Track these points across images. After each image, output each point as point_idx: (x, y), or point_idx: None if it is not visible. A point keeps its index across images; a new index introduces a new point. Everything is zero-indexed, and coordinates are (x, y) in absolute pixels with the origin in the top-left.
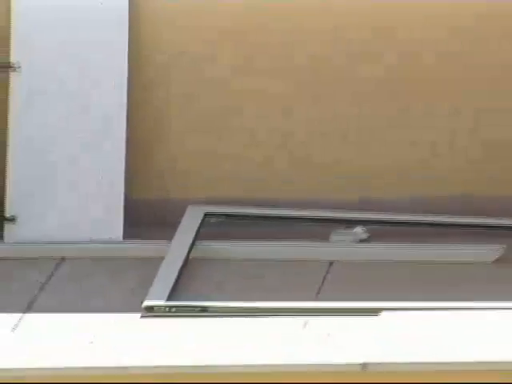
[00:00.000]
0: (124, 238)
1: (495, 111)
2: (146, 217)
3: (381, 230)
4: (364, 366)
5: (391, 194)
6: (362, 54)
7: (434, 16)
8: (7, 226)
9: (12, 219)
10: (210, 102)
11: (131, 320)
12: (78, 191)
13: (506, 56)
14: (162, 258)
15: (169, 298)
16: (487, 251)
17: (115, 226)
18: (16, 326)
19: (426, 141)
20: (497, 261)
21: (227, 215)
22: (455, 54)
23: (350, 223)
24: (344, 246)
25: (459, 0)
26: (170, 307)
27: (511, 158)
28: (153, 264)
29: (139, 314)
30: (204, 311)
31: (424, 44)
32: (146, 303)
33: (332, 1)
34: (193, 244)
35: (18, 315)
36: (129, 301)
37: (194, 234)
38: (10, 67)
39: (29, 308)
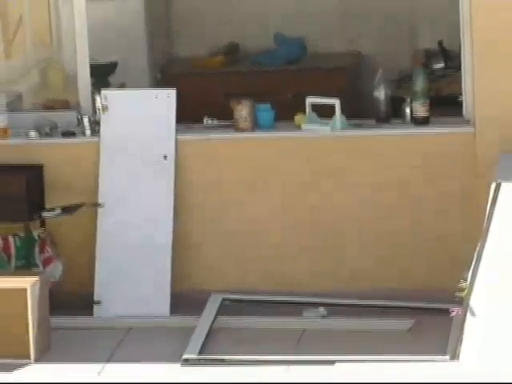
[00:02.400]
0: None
1: None
2: (186, 301)
3: (334, 310)
4: None
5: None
6: None
7: None
8: (95, 307)
9: (98, 302)
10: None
11: (175, 367)
12: (140, 282)
13: None
14: (195, 327)
15: (199, 353)
16: (403, 323)
17: (164, 306)
18: (100, 371)
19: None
20: (409, 329)
21: (235, 300)
22: None
23: (316, 305)
24: (312, 319)
25: None
26: (200, 359)
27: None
28: (189, 331)
29: (179, 364)
30: (221, 361)
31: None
32: (184, 356)
33: None
34: (215, 318)
35: (101, 364)
36: (174, 354)
37: (215, 311)
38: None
39: (108, 360)
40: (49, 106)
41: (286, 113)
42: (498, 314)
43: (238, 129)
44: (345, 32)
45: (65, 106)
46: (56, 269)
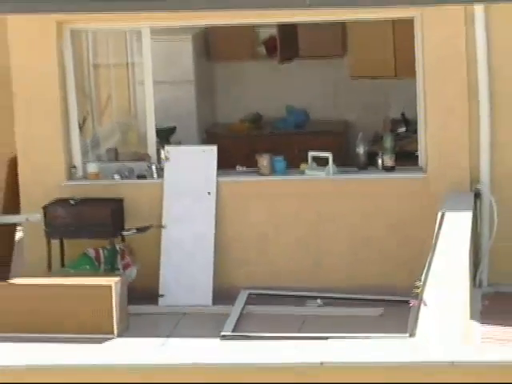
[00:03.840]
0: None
1: None
2: (223, 294)
3: (328, 301)
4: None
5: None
6: None
7: None
8: (160, 299)
9: (161, 295)
10: None
11: (215, 341)
12: (191, 280)
13: None
14: (229, 313)
15: (232, 331)
16: (376, 310)
17: (207, 298)
18: (163, 343)
19: None
20: (381, 315)
21: (258, 294)
22: None
23: (315, 298)
24: (312, 308)
25: None
26: (233, 335)
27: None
28: (225, 316)
29: (219, 338)
30: (248, 337)
31: None
32: (222, 333)
33: None
34: (244, 306)
35: (164, 339)
36: (215, 332)
37: (244, 302)
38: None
39: (169, 336)
40: (128, 158)
41: (294, 162)
42: (442, 305)
43: (260, 174)
44: (336, 106)
45: (139, 157)
46: (132, 272)
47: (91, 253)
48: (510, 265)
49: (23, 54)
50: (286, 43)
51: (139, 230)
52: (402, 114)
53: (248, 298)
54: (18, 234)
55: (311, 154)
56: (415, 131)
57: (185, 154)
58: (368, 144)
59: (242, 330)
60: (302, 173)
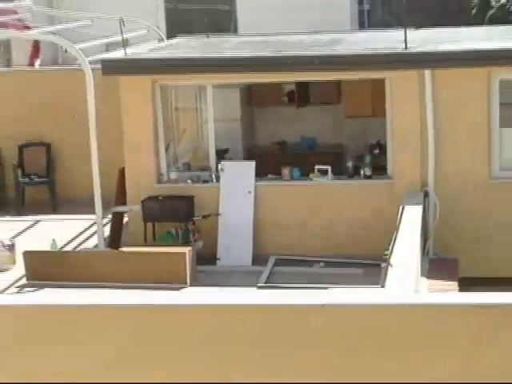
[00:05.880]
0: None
1: None
2: (259, 258)
3: (327, 263)
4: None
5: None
6: None
7: None
8: (218, 262)
9: (218, 259)
10: None
11: (254, 289)
12: (238, 249)
13: None
14: (263, 271)
15: (265, 283)
16: (359, 270)
17: (248, 260)
18: (220, 291)
19: None
20: (362, 273)
21: (282, 259)
22: None
23: (319, 262)
24: (317, 268)
25: None
26: (266, 285)
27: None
28: (260, 273)
29: (256, 287)
30: (276, 286)
31: None
32: (258, 284)
33: None
34: (272, 267)
35: (220, 287)
36: (253, 283)
37: (272, 264)
38: None
39: (223, 285)
40: (197, 169)
41: (306, 172)
42: (402, 267)
43: (283, 179)
44: (334, 135)
45: (204, 168)
46: (199, 244)
47: (173, 231)
48: (447, 240)
49: (130, 100)
50: (301, 95)
51: (204, 216)
52: (378, 141)
53: (276, 262)
54: (125, 219)
55: (317, 167)
56: (385, 152)
57: (234, 166)
58: (354, 160)
59: (271, 281)
60: (311, 179)
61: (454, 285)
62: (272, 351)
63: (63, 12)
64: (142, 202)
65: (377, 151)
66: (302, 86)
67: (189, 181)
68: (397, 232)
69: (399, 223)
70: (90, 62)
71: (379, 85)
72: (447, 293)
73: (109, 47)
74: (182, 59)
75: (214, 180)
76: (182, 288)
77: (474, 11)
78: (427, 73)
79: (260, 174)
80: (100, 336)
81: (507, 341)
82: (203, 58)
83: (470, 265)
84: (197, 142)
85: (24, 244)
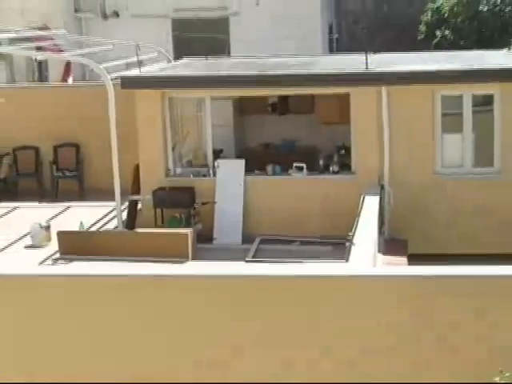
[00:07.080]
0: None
1: None
2: (247, 238)
3: (303, 242)
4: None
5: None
6: None
7: None
8: (214, 240)
9: (215, 238)
10: None
11: (242, 263)
12: (230, 229)
13: None
14: (249, 250)
15: (251, 257)
16: (329, 248)
17: (238, 239)
18: (217, 265)
19: None
20: (331, 251)
21: (267, 239)
22: None
23: (295, 241)
24: (295, 247)
25: None
26: (252, 260)
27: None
28: (248, 250)
29: (244, 262)
30: (261, 261)
31: None
32: (246, 259)
33: None
34: (258, 245)
35: (217, 262)
36: (242, 258)
37: (258, 242)
38: None
39: (219, 260)
40: (197, 165)
41: (287, 169)
42: (362, 245)
43: (267, 175)
44: (309, 139)
45: (203, 165)
46: (199, 226)
47: (178, 216)
48: (399, 224)
49: (144, 109)
50: (282, 105)
51: (203, 204)
52: (343, 143)
53: (261, 241)
54: (139, 206)
55: (295, 164)
56: (350, 153)
57: (227, 164)
58: (325, 159)
59: (257, 257)
60: (290, 174)
61: (404, 260)
62: (255, 313)
63: (90, 38)
64: (153, 192)
65: (343, 152)
66: (283, 99)
67: (191, 175)
68: (358, 217)
69: (360, 210)
70: (112, 79)
71: (345, 98)
72: (398, 266)
73: (128, 67)
74: (186, 77)
75: (212, 175)
76: (184, 262)
77: (420, 37)
78: (384, 88)
79: (248, 170)
80: (120, 302)
81: (444, 305)
82: (203, 75)
83: (417, 243)
84: (197, 143)
85: (58, 225)
